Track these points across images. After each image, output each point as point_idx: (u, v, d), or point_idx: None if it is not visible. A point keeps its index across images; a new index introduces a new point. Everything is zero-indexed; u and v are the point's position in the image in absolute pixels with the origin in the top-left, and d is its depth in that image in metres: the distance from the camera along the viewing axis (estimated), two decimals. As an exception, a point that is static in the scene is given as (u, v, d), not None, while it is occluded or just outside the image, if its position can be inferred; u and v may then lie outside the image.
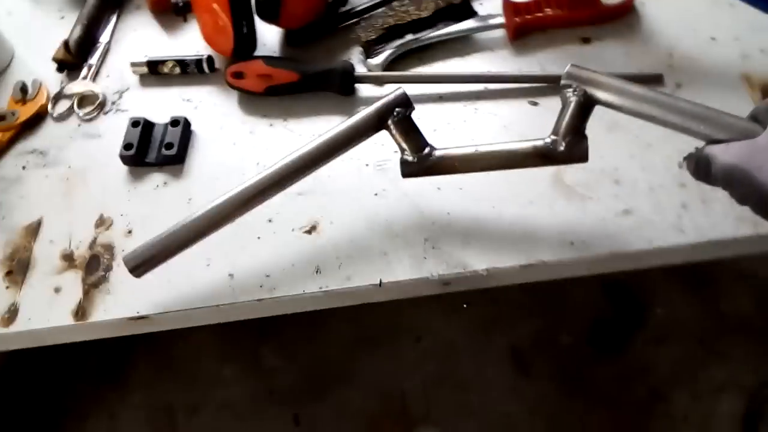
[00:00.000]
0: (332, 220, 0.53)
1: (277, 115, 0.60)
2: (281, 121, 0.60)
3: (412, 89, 0.55)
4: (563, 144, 0.43)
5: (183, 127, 0.59)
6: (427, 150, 0.47)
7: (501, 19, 0.60)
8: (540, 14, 0.60)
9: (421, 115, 0.51)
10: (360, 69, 0.61)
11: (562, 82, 0.42)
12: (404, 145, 0.47)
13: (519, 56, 0.60)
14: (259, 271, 0.51)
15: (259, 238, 0.53)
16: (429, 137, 0.47)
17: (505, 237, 0.49)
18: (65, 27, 0.70)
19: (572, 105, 0.42)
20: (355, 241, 0.51)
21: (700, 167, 0.39)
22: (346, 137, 0.47)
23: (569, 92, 0.42)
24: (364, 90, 0.61)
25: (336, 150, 0.47)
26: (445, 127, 0.57)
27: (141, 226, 0.55)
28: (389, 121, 0.46)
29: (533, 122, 0.55)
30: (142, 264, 0.48)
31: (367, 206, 0.53)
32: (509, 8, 0.60)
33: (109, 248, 0.54)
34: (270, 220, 0.54)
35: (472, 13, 0.61)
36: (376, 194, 0.54)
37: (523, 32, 0.61)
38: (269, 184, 0.47)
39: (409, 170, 0.47)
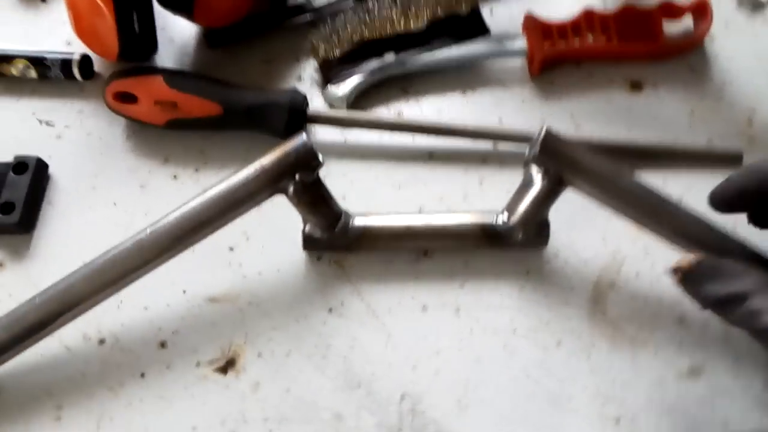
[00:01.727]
0: (261, 351, 0.36)
1: (184, 161, 0.42)
2: (191, 171, 0.42)
3: (388, 139, 0.42)
4: (520, 231, 0.37)
5: (33, 174, 0.40)
6: (341, 223, 0.37)
7: (523, 44, 0.43)
8: (577, 42, 0.44)
9: (403, 182, 0.40)
10: (312, 101, 0.43)
11: (530, 152, 0.33)
12: (309, 218, 0.36)
13: (543, 99, 0.44)
14: (140, 434, 0.34)
15: (143, 375, 0.36)
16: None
17: (519, 400, 0.35)
18: None
19: (537, 188, 0.34)
20: (294, 391, 0.35)
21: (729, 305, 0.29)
22: (222, 207, 0.33)
23: (535, 170, 0.33)
24: (318, 133, 0.43)
25: (209, 223, 0.33)
26: (435, 202, 0.40)
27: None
28: (288, 187, 0.33)
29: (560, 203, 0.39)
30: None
31: (315, 329, 0.37)
32: (535, 30, 0.43)
33: None
34: (163, 344, 0.36)
35: (482, 31, 0.44)
36: (330, 310, 0.37)
37: (551, 64, 0.44)
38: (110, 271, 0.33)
39: (313, 247, 0.38)
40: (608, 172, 0.33)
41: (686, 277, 0.30)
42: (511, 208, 0.37)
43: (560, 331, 0.36)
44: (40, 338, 0.34)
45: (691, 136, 0.42)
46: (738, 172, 0.32)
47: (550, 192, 0.34)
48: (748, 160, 0.41)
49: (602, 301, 0.37)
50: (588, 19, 0.44)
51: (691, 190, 0.40)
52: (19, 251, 0.39)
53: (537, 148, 0.32)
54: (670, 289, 0.37)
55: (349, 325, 0.37)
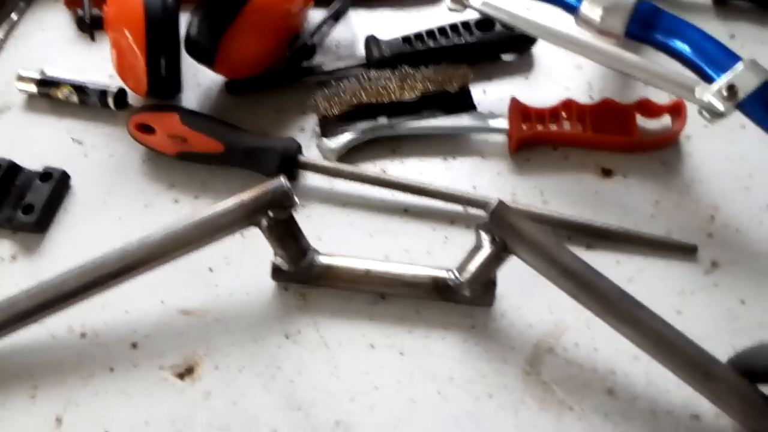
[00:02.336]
0: (217, 364, 0.40)
1: (187, 189, 0.48)
2: (191, 198, 0.48)
3: (370, 191, 0.47)
4: (468, 289, 0.41)
5: (56, 184, 0.47)
6: (308, 257, 0.42)
7: (504, 123, 0.48)
8: (555, 127, 0.48)
9: (375, 231, 0.46)
10: (309, 150, 0.49)
11: (484, 219, 0.37)
12: (278, 251, 0.41)
13: (517, 174, 0.48)
14: (99, 422, 0.38)
15: (112, 369, 0.40)
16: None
17: (444, 445, 0.37)
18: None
19: (485, 251, 0.38)
20: (240, 404, 0.39)
21: None
22: (201, 231, 0.38)
23: (484, 236, 0.37)
24: (308, 178, 0.48)
25: (188, 244, 0.39)
26: (401, 253, 0.44)
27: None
28: (262, 221, 0.38)
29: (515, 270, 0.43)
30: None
31: (270, 351, 0.41)
32: (517, 113, 0.48)
33: None
34: (134, 345, 0.41)
35: (469, 107, 0.49)
36: (287, 336, 0.41)
37: (528, 144, 0.49)
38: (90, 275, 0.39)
39: (280, 277, 0.42)
40: (546, 246, 0.36)
41: None
42: (462, 266, 0.41)
43: (494, 385, 0.39)
44: (29, 324, 0.39)
45: (651, 225, 0.46)
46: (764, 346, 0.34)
47: (495, 256, 0.38)
48: (703, 255, 0.44)
49: (538, 364, 0.40)
50: (567, 107, 0.49)
51: (642, 273, 0.44)
52: (31, 248, 0.46)
53: (488, 216, 0.36)
54: (605, 361, 0.40)
55: (301, 352, 0.41)
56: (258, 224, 0.39)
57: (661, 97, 0.48)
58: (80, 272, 0.38)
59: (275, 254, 0.42)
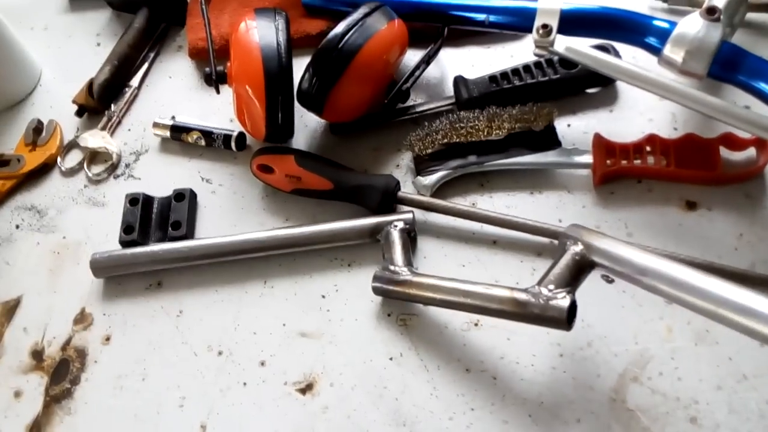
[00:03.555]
0: (333, 381, 0.46)
1: (300, 221, 0.54)
2: (303, 230, 0.54)
3: (462, 224, 0.52)
4: (541, 298, 0.40)
5: (190, 201, 0.55)
6: (407, 270, 0.47)
7: (589, 158, 0.51)
8: (638, 162, 0.51)
9: (467, 262, 0.50)
10: (406, 185, 0.54)
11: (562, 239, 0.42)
12: (390, 255, 0.48)
13: (602, 207, 0.51)
14: (236, 428, 0.45)
15: (245, 384, 0.47)
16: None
17: (534, 462, 0.42)
18: (99, 56, 0.66)
19: (566, 257, 0.41)
20: (353, 418, 0.45)
21: None
22: (331, 236, 0.51)
23: (569, 243, 0.41)
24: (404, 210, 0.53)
25: (318, 242, 0.51)
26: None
27: (122, 333, 0.51)
28: (390, 230, 0.50)
29: (601, 302, 0.46)
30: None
31: (377, 372, 0.46)
32: (601, 148, 0.51)
33: (82, 354, 0.50)
34: (263, 363, 0.48)
35: (555, 144, 0.53)
36: (391, 358, 0.47)
37: (613, 178, 0.51)
38: (242, 246, 0.52)
39: (378, 283, 0.48)
40: (620, 249, 0.40)
41: None
42: (540, 281, 0.41)
43: (581, 410, 0.43)
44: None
45: (735, 258, 0.47)
46: None
47: (575, 262, 0.41)
48: (789, 286, 0.46)
49: (624, 392, 0.43)
50: (651, 142, 0.51)
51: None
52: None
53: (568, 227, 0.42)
54: (687, 391, 0.43)
55: (403, 373, 0.46)
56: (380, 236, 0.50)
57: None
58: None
59: (383, 267, 0.48)
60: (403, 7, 0.56)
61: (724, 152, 0.51)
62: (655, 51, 0.49)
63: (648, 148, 0.51)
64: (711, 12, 0.47)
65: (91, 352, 0.50)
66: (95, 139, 0.61)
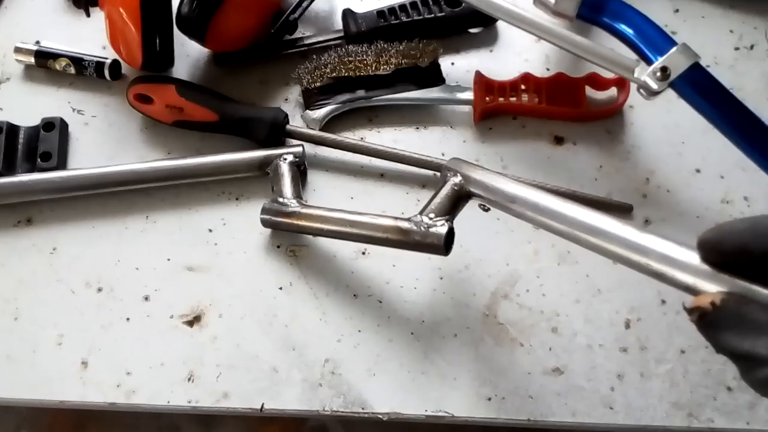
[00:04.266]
0: (221, 312, 0.47)
1: (182, 154, 0.52)
2: (187, 164, 0.52)
3: (350, 158, 0.53)
4: (422, 226, 0.42)
5: (60, 130, 0.52)
6: (296, 202, 0.48)
7: (470, 95, 0.54)
8: (514, 99, 0.54)
9: (355, 194, 0.52)
10: (295, 119, 0.53)
11: (444, 171, 0.44)
12: (279, 187, 0.49)
13: (481, 141, 0.54)
14: (120, 364, 0.45)
15: (128, 319, 0.46)
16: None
17: (416, 375, 0.45)
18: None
19: (445, 188, 0.43)
20: (243, 346, 0.45)
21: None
22: (218, 168, 0.50)
23: (449, 174, 0.43)
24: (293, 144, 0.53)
25: (204, 174, 0.50)
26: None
27: (-14, 272, 0.47)
28: (280, 163, 0.50)
29: (478, 229, 0.49)
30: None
31: (266, 301, 0.47)
32: (481, 85, 0.53)
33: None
34: (146, 298, 0.47)
35: (439, 81, 0.55)
36: (281, 288, 0.48)
37: (491, 114, 0.54)
38: (121, 177, 0.50)
39: (267, 215, 0.48)
40: (493, 180, 0.42)
41: (704, 319, 0.27)
42: (422, 210, 0.43)
43: (458, 326, 0.47)
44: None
45: (595, 187, 0.52)
46: (740, 223, 0.28)
47: (454, 192, 0.43)
48: (638, 213, 0.51)
49: (495, 308, 0.47)
50: (525, 80, 0.54)
51: (585, 230, 0.50)
52: (44, 211, 0.50)
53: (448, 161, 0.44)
54: (550, 305, 0.47)
55: (293, 301, 0.47)
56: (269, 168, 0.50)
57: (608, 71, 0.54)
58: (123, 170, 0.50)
59: (272, 199, 0.48)
60: (289, -66, 0.54)
61: (590, 91, 0.55)
62: (531, -8, 0.52)
63: (523, 87, 0.55)
64: (580, -41, 0.50)
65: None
66: (-57, 63, 0.54)
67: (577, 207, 0.40)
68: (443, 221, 0.42)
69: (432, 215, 0.42)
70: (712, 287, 0.28)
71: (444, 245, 0.41)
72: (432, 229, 0.42)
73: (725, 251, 0.28)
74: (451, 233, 0.42)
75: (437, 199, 0.43)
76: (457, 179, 0.44)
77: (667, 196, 0.52)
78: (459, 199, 0.44)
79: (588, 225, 0.39)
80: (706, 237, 0.28)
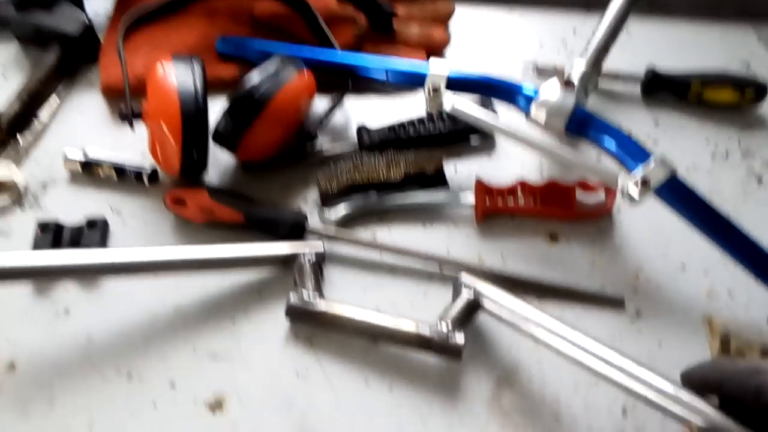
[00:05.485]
0: (242, 399, 0.50)
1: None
2: (215, 260, 0.58)
3: (364, 253, 0.58)
4: (441, 335, 0.49)
5: (102, 229, 0.57)
6: (321, 301, 0.52)
7: (471, 199, 0.60)
8: (512, 202, 0.60)
9: (368, 286, 0.56)
10: (312, 217, 0.59)
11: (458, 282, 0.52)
12: (302, 283, 0.53)
13: (482, 239, 0.60)
14: (147, 448, 0.47)
15: (155, 405, 0.49)
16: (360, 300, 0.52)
17: (426, 461, 0.47)
18: (4, 89, 0.67)
19: (460, 299, 0.51)
20: (262, 430, 0.48)
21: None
22: (245, 260, 0.54)
23: (463, 287, 0.51)
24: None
25: (231, 264, 0.55)
26: (390, 305, 0.55)
27: (28, 360, 0.51)
28: (303, 260, 0.54)
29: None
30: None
31: (283, 388, 0.50)
32: (481, 190, 0.60)
33: (-19, 382, 0.50)
34: (173, 385, 0.50)
35: (444, 185, 0.61)
36: (297, 374, 0.51)
37: (491, 215, 0.60)
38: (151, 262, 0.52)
39: (292, 310, 0.52)
40: (504, 299, 0.48)
41: None
42: (441, 317, 0.50)
43: (465, 413, 0.49)
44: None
45: (589, 281, 0.57)
46: (706, 363, 0.40)
47: (468, 304, 0.50)
48: (630, 306, 0.56)
49: (499, 395, 0.50)
50: (521, 186, 0.61)
51: (581, 320, 0.55)
52: (91, 289, 0.55)
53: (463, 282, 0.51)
54: (551, 392, 0.51)
55: (309, 387, 0.50)
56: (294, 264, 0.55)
57: (595, 178, 0.61)
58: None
59: (295, 293, 0.52)
60: (312, 63, 0.63)
61: (580, 195, 0.61)
62: (525, 111, 0.60)
63: (519, 191, 0.61)
64: (567, 83, 0.58)
65: (-7, 379, 0.50)
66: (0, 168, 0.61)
67: (577, 333, 0.46)
68: (460, 331, 0.49)
69: (449, 323, 0.49)
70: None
71: (461, 353, 0.49)
72: (451, 340, 0.49)
73: (693, 383, 0.40)
74: (465, 343, 0.49)
75: (453, 311, 0.50)
76: (471, 294, 0.50)
77: (656, 290, 0.57)
78: (471, 311, 0.50)
79: (586, 349, 0.46)
80: (685, 372, 0.41)
